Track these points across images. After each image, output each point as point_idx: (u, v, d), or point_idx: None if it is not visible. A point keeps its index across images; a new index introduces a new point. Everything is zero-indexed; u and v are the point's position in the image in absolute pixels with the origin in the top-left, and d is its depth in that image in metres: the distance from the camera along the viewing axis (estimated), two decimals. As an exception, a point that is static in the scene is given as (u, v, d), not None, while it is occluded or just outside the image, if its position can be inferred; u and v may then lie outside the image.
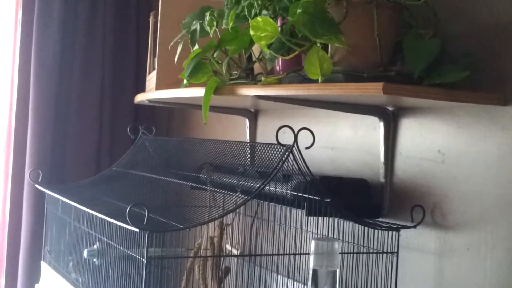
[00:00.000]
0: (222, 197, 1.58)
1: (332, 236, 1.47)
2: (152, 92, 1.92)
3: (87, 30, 2.61)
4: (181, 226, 1.32)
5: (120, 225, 1.38)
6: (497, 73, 1.24)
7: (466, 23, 1.30)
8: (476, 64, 1.24)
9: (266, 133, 1.95)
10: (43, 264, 2.11)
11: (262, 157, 1.45)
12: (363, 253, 1.42)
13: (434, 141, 1.36)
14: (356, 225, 1.41)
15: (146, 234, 1.27)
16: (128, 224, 1.27)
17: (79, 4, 2.60)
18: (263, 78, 1.42)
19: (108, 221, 1.48)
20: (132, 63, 2.68)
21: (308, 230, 1.53)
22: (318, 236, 1.45)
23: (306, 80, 1.29)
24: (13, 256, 2.55)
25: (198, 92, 1.55)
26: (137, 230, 1.28)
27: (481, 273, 1.25)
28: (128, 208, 1.25)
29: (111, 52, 2.65)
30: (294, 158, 1.31)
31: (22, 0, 2.55)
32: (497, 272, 1.22)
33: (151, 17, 2.10)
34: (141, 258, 1.31)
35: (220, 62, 1.53)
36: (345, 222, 1.45)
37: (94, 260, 1.63)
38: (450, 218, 1.32)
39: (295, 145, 1.29)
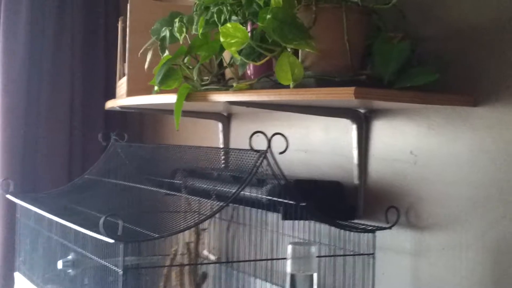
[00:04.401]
0: (197, 202, 1.58)
1: (308, 238, 1.47)
2: (123, 99, 1.91)
3: (55, 37, 2.58)
4: (157, 235, 1.31)
5: (94, 236, 1.37)
6: (467, 74, 1.25)
7: (435, 25, 1.32)
8: (446, 66, 1.26)
9: (239, 137, 1.95)
10: (17, 275, 2.08)
11: (236, 163, 1.45)
12: (340, 255, 1.42)
13: (406, 143, 1.37)
14: (332, 227, 1.41)
15: (122, 245, 1.26)
16: (103, 235, 1.26)
17: (46, 8, 2.56)
18: (234, 84, 1.42)
19: (82, 231, 1.47)
20: (101, 68, 2.65)
21: (285, 233, 1.53)
22: (295, 241, 1.45)
23: (277, 85, 1.29)
24: (-14, 268, 2.51)
25: (169, 98, 1.54)
26: (112, 241, 1.27)
27: (457, 273, 1.26)
28: (103, 219, 1.24)
29: (80, 58, 2.62)
30: (268, 163, 1.31)
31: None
32: (472, 271, 1.24)
33: (119, 22, 2.07)
34: (117, 269, 1.29)
35: (190, 68, 1.52)
36: (321, 225, 1.45)
37: (69, 270, 1.61)
38: (425, 218, 1.33)
39: (268, 150, 1.29)
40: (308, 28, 1.22)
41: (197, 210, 1.60)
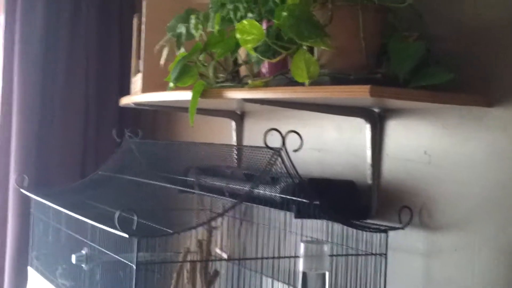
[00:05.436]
0: (210, 200, 1.58)
1: (321, 238, 1.47)
2: (138, 95, 1.92)
3: (70, 33, 2.59)
4: (171, 232, 1.32)
5: (108, 231, 1.38)
6: (482, 75, 1.25)
7: (450, 25, 1.31)
8: (461, 66, 1.25)
9: (252, 135, 1.95)
10: (30, 270, 2.09)
11: (250, 160, 1.45)
12: (352, 255, 1.42)
13: (420, 142, 1.37)
14: (345, 227, 1.41)
15: (136, 240, 1.27)
16: (118, 230, 1.27)
17: (61, 7, 2.58)
18: (249, 81, 1.42)
19: (96, 226, 1.48)
20: (116, 65, 2.67)
21: (297, 232, 1.53)
22: (307, 239, 1.45)
23: (292, 82, 1.29)
24: (0, 262, 2.53)
25: (184, 95, 1.54)
26: (126, 236, 1.27)
27: (469, 274, 1.26)
28: (117, 214, 1.25)
29: (95, 55, 2.63)
30: (282, 161, 1.31)
31: (4, 5, 2.53)
32: (484, 273, 1.24)
33: (134, 19, 2.09)
34: (131, 264, 1.30)
35: (206, 65, 1.53)
36: (333, 224, 1.45)
37: (83, 265, 1.62)
38: (438, 219, 1.33)
39: (283, 148, 1.29)
40: (324, 26, 1.22)
41: (209, 208, 1.61)
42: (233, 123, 1.99)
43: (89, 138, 2.62)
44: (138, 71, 2.00)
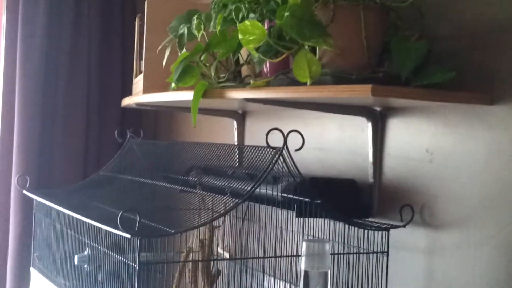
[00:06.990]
0: (212, 200, 1.59)
1: (323, 237, 1.47)
2: (139, 96, 1.92)
3: (72, 34, 2.60)
4: (173, 231, 1.32)
5: (110, 231, 1.38)
6: (483, 73, 1.25)
7: (452, 24, 1.32)
8: (462, 65, 1.26)
9: (254, 135, 1.95)
10: (32, 270, 2.10)
11: (251, 159, 1.45)
12: (353, 253, 1.43)
13: (422, 141, 1.38)
14: (346, 225, 1.42)
15: (138, 240, 1.27)
16: (120, 230, 1.27)
17: (63, 7, 2.58)
18: (251, 81, 1.42)
19: (98, 226, 1.48)
20: (118, 66, 2.68)
21: (299, 231, 1.53)
22: (309, 238, 1.45)
23: (294, 82, 1.30)
24: (1, 263, 2.53)
25: (186, 95, 1.55)
26: (129, 236, 1.28)
27: (470, 271, 1.26)
28: (120, 214, 1.25)
29: (97, 56, 2.64)
30: (284, 160, 1.31)
31: (6, 4, 2.53)
32: (486, 270, 1.24)
33: (136, 20, 2.09)
34: (133, 264, 1.30)
35: (207, 65, 1.53)
36: (335, 223, 1.45)
37: (85, 266, 1.63)
38: (439, 217, 1.33)
39: (284, 147, 1.30)
40: (326, 26, 1.22)
41: (211, 207, 1.61)
42: (235, 123, 2.00)
43: (91, 139, 2.63)
44: (140, 72, 2.01)
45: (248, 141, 1.98)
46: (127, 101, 2.06)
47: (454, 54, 1.29)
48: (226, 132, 2.05)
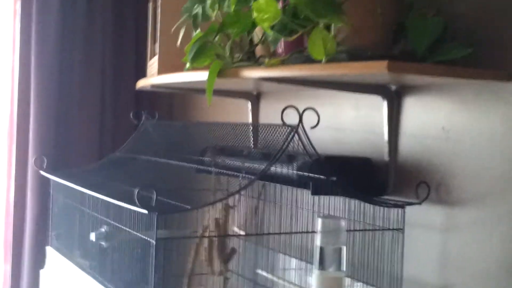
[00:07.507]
0: (227, 180, 1.60)
1: (338, 215, 1.48)
2: (154, 77, 1.93)
3: (87, 18, 2.61)
4: (189, 207, 1.34)
5: (127, 208, 1.40)
6: (499, 50, 1.25)
7: (468, 1, 1.31)
8: (479, 41, 1.25)
9: (268, 116, 1.96)
10: (49, 249, 2.13)
11: (267, 138, 1.46)
12: (369, 230, 1.43)
13: (438, 118, 1.37)
14: (362, 203, 1.42)
15: (155, 216, 1.29)
16: (137, 207, 1.29)
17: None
18: (266, 60, 1.43)
19: (114, 204, 1.50)
20: (132, 49, 2.69)
21: (314, 210, 1.54)
22: (325, 215, 1.46)
23: (309, 60, 1.29)
24: (19, 242, 2.57)
25: (201, 75, 1.55)
26: (146, 212, 1.29)
27: (487, 248, 1.27)
28: (137, 191, 1.27)
29: (111, 39, 2.65)
30: (300, 138, 1.32)
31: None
32: (502, 247, 1.24)
33: (150, 3, 2.10)
34: (151, 240, 1.32)
35: (222, 45, 1.53)
36: (350, 201, 1.46)
37: (102, 243, 1.65)
38: (455, 194, 1.34)
39: (300, 125, 1.30)
40: (341, 3, 1.22)
41: (226, 187, 1.62)
42: (249, 104, 2.00)
43: (106, 120, 2.65)
44: (154, 55, 2.02)
45: (262, 122, 1.98)
46: (142, 83, 2.07)
47: (470, 31, 1.28)
48: (241, 114, 2.06)
